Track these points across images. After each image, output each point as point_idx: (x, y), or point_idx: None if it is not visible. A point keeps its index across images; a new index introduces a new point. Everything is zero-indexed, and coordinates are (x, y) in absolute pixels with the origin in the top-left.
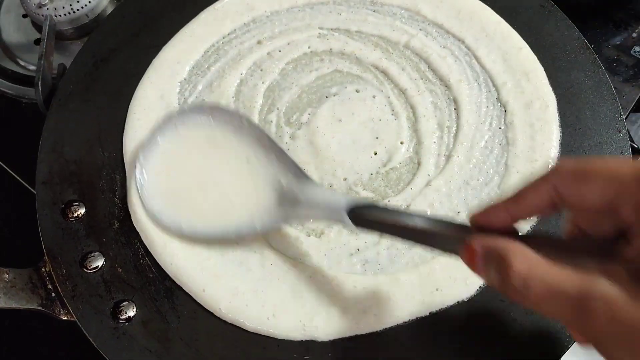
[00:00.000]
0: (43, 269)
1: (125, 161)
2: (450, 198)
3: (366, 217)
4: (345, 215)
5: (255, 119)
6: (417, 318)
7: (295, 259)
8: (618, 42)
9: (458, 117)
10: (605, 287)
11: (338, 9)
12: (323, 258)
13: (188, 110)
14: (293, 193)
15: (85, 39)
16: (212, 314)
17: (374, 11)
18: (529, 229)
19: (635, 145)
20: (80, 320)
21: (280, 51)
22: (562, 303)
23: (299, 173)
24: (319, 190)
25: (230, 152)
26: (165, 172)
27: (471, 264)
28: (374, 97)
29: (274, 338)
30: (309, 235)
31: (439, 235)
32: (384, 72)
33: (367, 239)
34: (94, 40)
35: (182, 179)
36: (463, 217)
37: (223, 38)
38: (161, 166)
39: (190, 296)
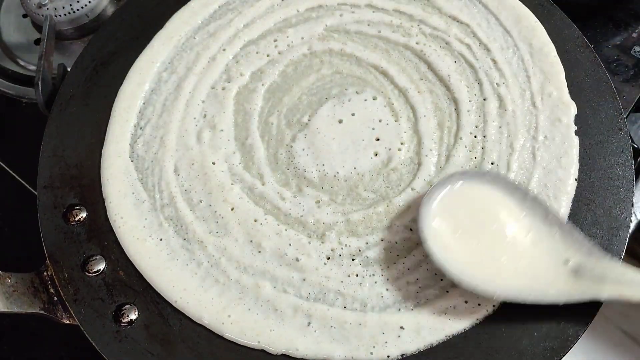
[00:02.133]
0: (45, 273)
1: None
2: None
3: None
4: None
5: (256, 121)
6: None
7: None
8: (618, 42)
9: (458, 117)
10: None
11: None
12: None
13: (472, 173)
14: (586, 270)
15: (86, 39)
16: None
17: (373, 12)
18: None
19: (635, 146)
20: (83, 324)
21: (280, 53)
22: None
23: (593, 250)
24: (619, 267)
25: (511, 220)
26: (448, 222)
27: None
28: (374, 98)
29: None
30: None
31: None
32: (384, 73)
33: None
34: (94, 44)
35: (464, 235)
36: None
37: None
38: (445, 217)
39: None
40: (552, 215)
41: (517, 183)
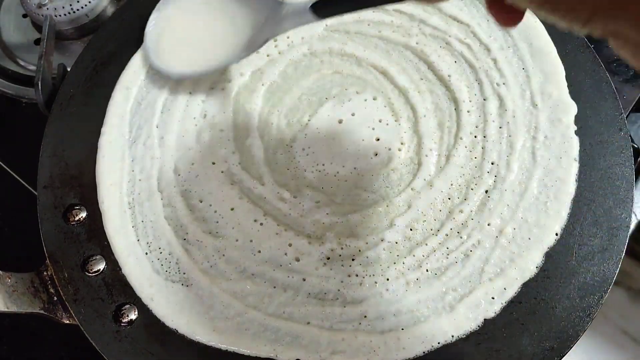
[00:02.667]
0: (45, 273)
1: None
2: (451, 198)
3: (328, 4)
4: (310, 14)
5: (256, 121)
6: None
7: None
8: None
9: (458, 117)
10: None
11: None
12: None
13: None
14: (267, 19)
15: (86, 39)
16: None
17: (373, 12)
18: None
19: (636, 146)
20: (82, 324)
21: (280, 53)
22: None
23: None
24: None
25: (218, 10)
26: (168, 30)
27: None
28: (374, 98)
29: None
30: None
31: None
32: (384, 73)
33: None
34: (94, 44)
35: (178, 33)
36: (464, 217)
37: None
38: (165, 26)
39: None
40: None
41: None
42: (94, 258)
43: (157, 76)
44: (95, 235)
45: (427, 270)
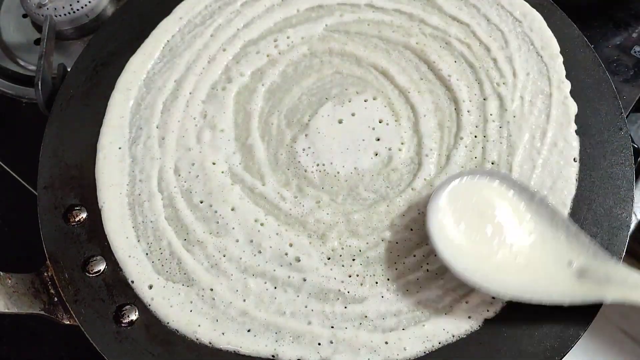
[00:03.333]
0: (45, 274)
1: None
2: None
3: None
4: None
5: (256, 121)
6: None
7: None
8: (618, 42)
9: (458, 117)
10: None
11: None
12: None
13: (480, 172)
14: (590, 272)
15: (86, 39)
16: None
17: (373, 11)
18: None
19: (636, 145)
20: (83, 325)
21: (280, 53)
22: None
23: (598, 253)
24: (623, 270)
25: (517, 220)
26: (454, 218)
27: None
28: (374, 98)
29: None
30: None
31: None
32: (384, 73)
33: None
34: (94, 44)
35: (469, 231)
36: None
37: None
38: (452, 212)
39: None
40: (559, 218)
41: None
42: (94, 259)
43: (157, 76)
44: (95, 235)
45: (427, 271)
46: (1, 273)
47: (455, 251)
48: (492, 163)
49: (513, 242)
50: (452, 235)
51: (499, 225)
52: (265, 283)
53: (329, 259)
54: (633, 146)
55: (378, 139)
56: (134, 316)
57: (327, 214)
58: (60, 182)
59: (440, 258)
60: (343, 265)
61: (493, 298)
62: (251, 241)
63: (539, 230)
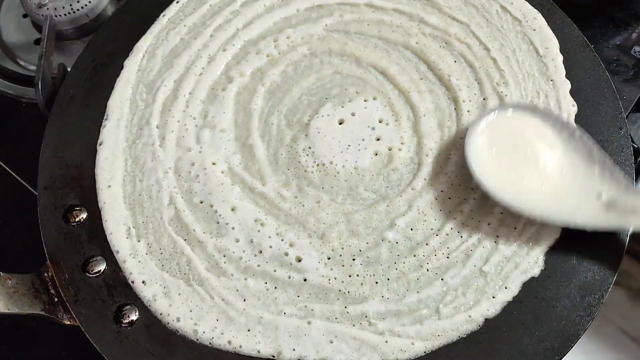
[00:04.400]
0: (45, 274)
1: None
2: (452, 198)
3: None
4: None
5: (256, 121)
6: None
7: None
8: (618, 42)
9: (458, 117)
10: None
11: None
12: None
13: (524, 106)
14: (618, 204)
15: (86, 39)
16: None
17: (373, 11)
18: None
19: (635, 145)
20: (83, 325)
21: (279, 53)
22: None
23: (630, 187)
24: None
25: (553, 153)
26: (491, 143)
27: None
28: (374, 98)
29: None
30: None
31: None
32: (384, 73)
33: None
34: (94, 44)
35: (504, 156)
36: (465, 217)
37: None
38: (490, 137)
39: None
40: (596, 153)
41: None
42: (94, 259)
43: (157, 76)
44: (95, 236)
45: (427, 270)
46: (1, 273)
47: (487, 171)
48: None
49: (545, 170)
50: (486, 159)
51: (533, 154)
52: (266, 283)
53: (329, 259)
54: (633, 146)
55: (378, 139)
56: (134, 316)
57: (327, 214)
58: (61, 182)
59: (474, 177)
60: (343, 265)
61: (493, 297)
62: (251, 241)
63: (573, 163)
